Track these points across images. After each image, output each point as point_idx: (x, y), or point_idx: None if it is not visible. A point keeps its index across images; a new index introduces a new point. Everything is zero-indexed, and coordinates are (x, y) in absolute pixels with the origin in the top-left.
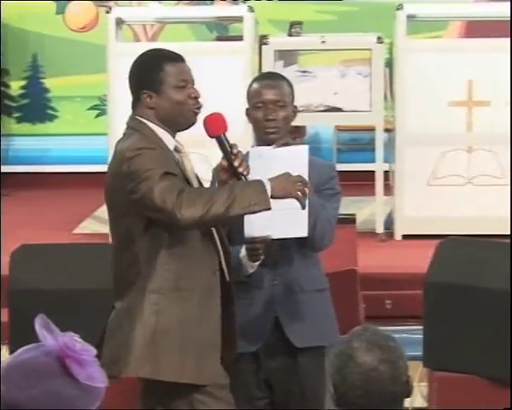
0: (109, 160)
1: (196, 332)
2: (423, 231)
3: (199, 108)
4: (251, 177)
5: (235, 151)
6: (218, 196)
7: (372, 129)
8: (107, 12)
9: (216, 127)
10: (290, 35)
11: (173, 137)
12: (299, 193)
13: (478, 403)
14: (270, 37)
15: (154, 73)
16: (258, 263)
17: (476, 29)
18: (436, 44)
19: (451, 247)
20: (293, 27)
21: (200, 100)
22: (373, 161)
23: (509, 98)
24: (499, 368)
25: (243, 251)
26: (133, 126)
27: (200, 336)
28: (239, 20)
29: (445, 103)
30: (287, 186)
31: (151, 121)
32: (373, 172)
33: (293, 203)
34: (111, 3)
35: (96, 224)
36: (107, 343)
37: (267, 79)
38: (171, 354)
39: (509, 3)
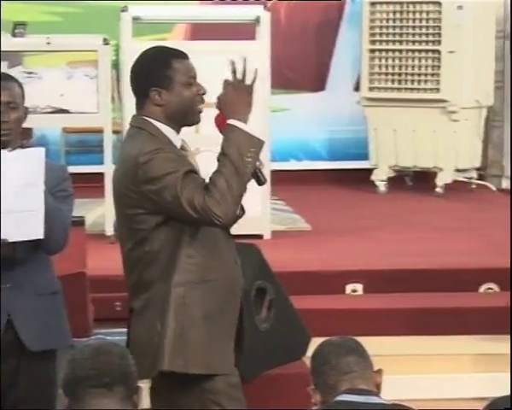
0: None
1: (219, 323)
2: None
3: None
4: None
5: None
6: (230, 178)
7: (100, 131)
8: None
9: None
10: (14, 36)
11: (178, 133)
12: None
13: None
14: None
15: (162, 70)
16: None
17: (201, 31)
18: None
19: None
20: (17, 28)
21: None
22: (102, 162)
23: None
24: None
25: None
26: (138, 125)
27: (222, 326)
28: None
29: None
30: (241, 100)
31: (157, 120)
32: (102, 174)
33: (29, 205)
34: None
35: None
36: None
37: None
38: (198, 347)
39: (234, 6)
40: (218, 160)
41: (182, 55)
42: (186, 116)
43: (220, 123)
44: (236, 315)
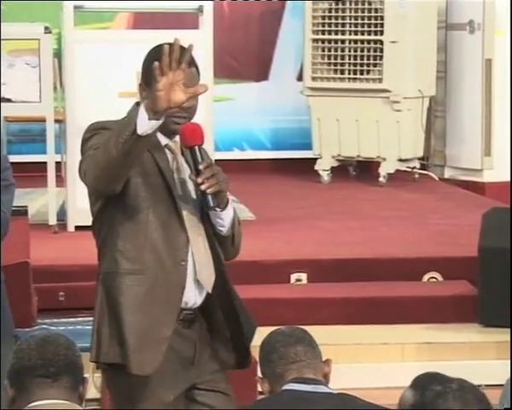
0: None
1: (136, 321)
2: None
3: (182, 117)
4: None
5: (200, 167)
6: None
7: (43, 120)
8: None
9: (191, 138)
10: None
11: (167, 137)
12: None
13: None
14: None
15: (149, 67)
16: None
17: (144, 21)
18: (104, 35)
19: None
20: None
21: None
22: (44, 152)
23: None
24: None
25: None
26: (129, 111)
27: (141, 325)
28: None
29: (115, 94)
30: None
31: None
32: (44, 163)
33: None
34: None
35: None
36: None
37: None
38: (104, 336)
39: None
40: None
41: None
42: None
43: (186, 133)
44: (171, 316)
